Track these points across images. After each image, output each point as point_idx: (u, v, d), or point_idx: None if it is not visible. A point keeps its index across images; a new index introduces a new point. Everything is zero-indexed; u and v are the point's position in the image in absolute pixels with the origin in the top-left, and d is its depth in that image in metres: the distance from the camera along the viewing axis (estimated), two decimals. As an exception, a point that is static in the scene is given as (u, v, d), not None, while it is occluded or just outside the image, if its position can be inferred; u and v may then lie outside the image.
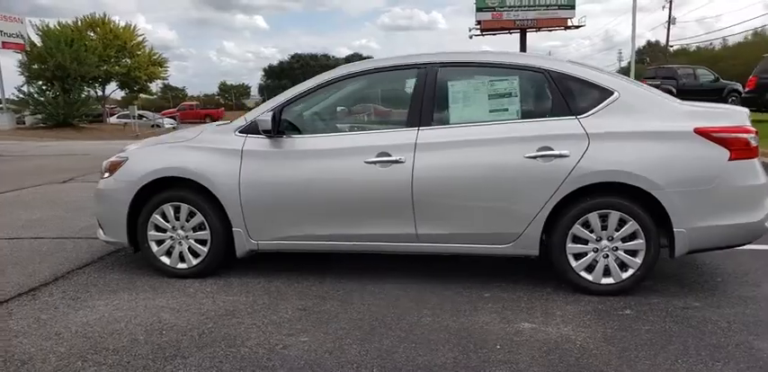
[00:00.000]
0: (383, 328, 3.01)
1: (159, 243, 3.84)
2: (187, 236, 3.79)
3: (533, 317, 3.11)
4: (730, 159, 3.20)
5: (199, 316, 3.19)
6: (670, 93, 17.51)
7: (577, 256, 3.39)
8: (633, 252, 3.33)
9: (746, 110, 3.43)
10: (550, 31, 43.28)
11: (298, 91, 3.70)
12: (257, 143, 3.65)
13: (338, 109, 3.89)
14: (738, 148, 3.20)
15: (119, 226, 3.85)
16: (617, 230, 3.33)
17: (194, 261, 3.81)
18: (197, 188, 3.71)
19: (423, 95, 3.51)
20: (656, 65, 23.54)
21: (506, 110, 3.46)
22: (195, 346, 2.81)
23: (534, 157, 3.31)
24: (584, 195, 3.31)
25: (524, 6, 39.00)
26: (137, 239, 3.86)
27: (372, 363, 2.62)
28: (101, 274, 3.96)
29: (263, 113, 3.65)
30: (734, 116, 3.33)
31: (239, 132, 3.72)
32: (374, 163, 3.47)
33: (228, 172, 3.64)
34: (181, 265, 3.83)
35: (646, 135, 3.26)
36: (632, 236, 3.31)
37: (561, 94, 3.40)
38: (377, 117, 3.82)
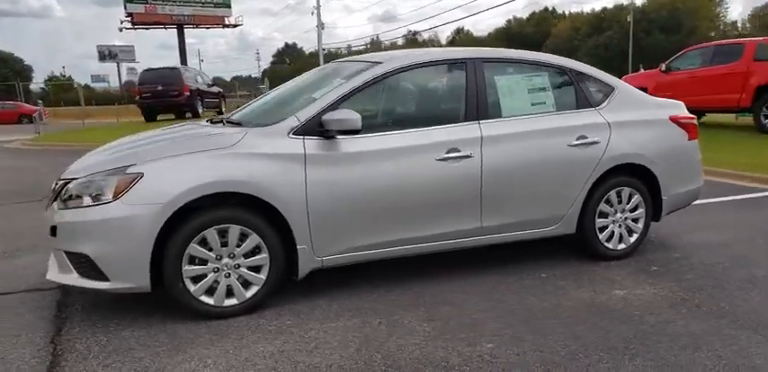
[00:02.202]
0: (530, 315, 3.08)
1: (198, 279, 3.02)
2: (237, 265, 3.08)
3: (610, 285, 3.56)
4: (689, 139, 4.15)
5: (332, 349, 2.72)
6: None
7: (601, 229, 3.95)
8: (636, 219, 4.04)
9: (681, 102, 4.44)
10: (208, 28, 43.44)
11: (348, 88, 3.33)
12: (318, 146, 3.18)
13: (391, 105, 3.59)
14: (692, 131, 4.19)
15: (136, 266, 2.89)
16: (628, 204, 3.99)
17: (247, 294, 3.11)
18: (248, 204, 3.05)
19: (476, 89, 3.58)
20: None
21: (544, 103, 3.80)
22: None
23: (576, 145, 3.73)
24: (608, 176, 3.87)
25: (179, 1, 38.12)
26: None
27: (567, 342, 2.72)
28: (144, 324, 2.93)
29: (322, 111, 3.19)
30: (681, 106, 4.30)
31: (294, 134, 3.17)
32: (445, 159, 3.41)
33: (292, 182, 3.09)
34: (229, 301, 3.09)
35: (642, 123, 3.99)
36: (637, 207, 4.02)
37: (581, 89, 3.89)
38: (427, 112, 3.66)
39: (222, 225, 3.00)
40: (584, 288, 3.51)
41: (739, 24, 69.27)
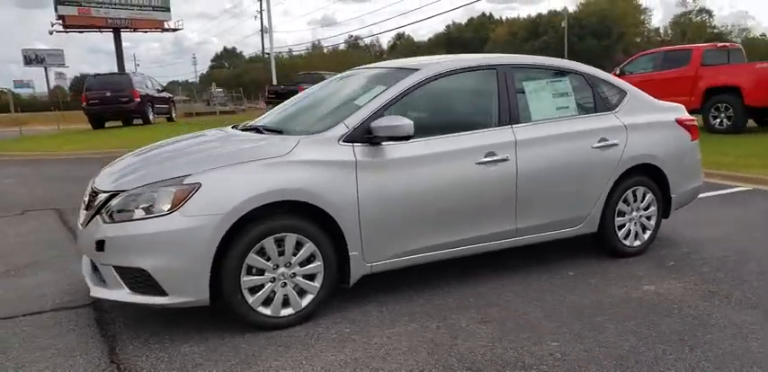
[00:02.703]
0: (577, 313, 3.19)
1: (255, 289, 2.97)
2: (293, 274, 3.05)
3: (638, 281, 3.72)
4: (691, 140, 4.40)
5: (404, 354, 2.74)
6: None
7: (619, 228, 4.12)
8: (649, 217, 4.25)
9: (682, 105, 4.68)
10: (146, 32, 42.37)
11: (391, 94, 3.36)
12: (366, 152, 3.19)
13: (429, 110, 3.61)
14: (694, 132, 4.43)
15: (196, 280, 2.82)
16: (642, 202, 4.18)
17: (303, 303, 3.09)
18: (301, 212, 3.03)
19: (507, 95, 3.68)
20: (305, 72, 25.77)
21: (567, 107, 3.94)
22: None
23: (598, 147, 3.90)
24: (626, 176, 4.05)
25: (115, 4, 36.90)
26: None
27: (625, 337, 2.85)
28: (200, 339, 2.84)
29: (369, 118, 3.21)
30: (683, 109, 4.54)
31: (344, 141, 3.17)
32: (484, 163, 3.49)
33: (345, 189, 3.09)
34: (285, 311, 3.05)
35: (653, 125, 4.20)
36: (650, 205, 4.22)
37: (598, 93, 4.06)
38: (463, 117, 3.71)
39: (279, 235, 2.97)
40: (615, 285, 3.65)
41: (662, 31, 73.07)
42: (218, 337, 2.96)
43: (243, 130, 3.78)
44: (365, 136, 3.20)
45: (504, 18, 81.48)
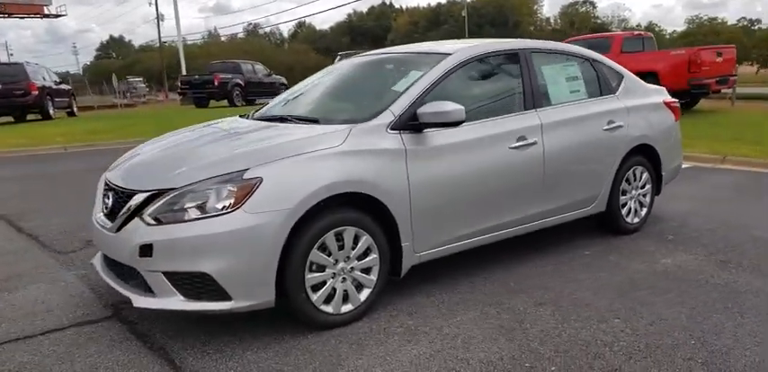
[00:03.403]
0: (618, 289, 3.31)
1: (317, 287, 2.82)
2: (352, 268, 2.92)
3: (652, 256, 3.91)
4: (675, 120, 4.66)
5: (484, 342, 2.72)
6: (239, 85, 18.91)
7: (623, 206, 4.31)
8: (645, 195, 4.47)
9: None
10: (22, 18, 39.23)
11: (430, 79, 3.28)
12: (412, 140, 3.11)
13: (462, 96, 3.52)
14: (677, 113, 4.69)
15: (263, 281, 2.64)
16: (640, 181, 4.39)
17: (362, 297, 2.97)
18: (358, 204, 2.90)
19: (530, 79, 3.71)
20: (220, 60, 24.67)
21: (578, 90, 4.03)
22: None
23: (607, 129, 4.03)
24: (628, 157, 4.22)
25: None
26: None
27: (676, 308, 3.01)
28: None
29: (412, 105, 3.12)
30: (665, 91, 4.78)
31: (391, 129, 3.06)
32: (517, 147, 3.51)
33: (397, 178, 3.00)
34: (345, 307, 2.92)
35: (647, 106, 4.40)
36: (645, 183, 4.44)
37: (602, 77, 4.19)
38: (493, 101, 3.67)
39: (339, 228, 2.83)
40: (635, 260, 3.81)
41: (552, 20, 77.01)
42: (277, 340, 2.78)
43: (264, 120, 3.55)
44: (410, 122, 3.10)
45: (404, 7, 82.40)
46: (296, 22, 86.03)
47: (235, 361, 2.60)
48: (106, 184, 3.13)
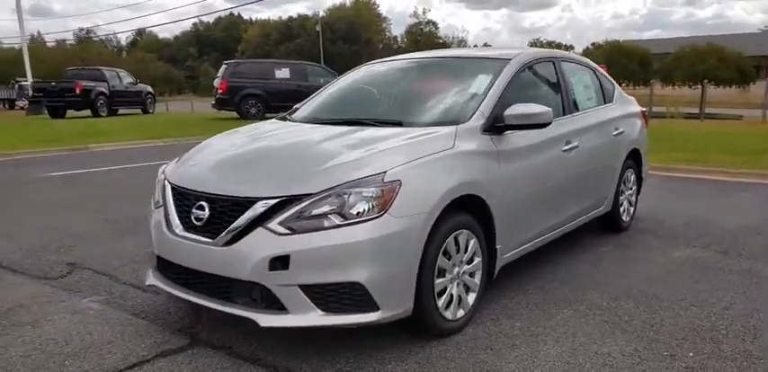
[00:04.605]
0: (660, 281, 3.59)
1: (441, 293, 2.72)
2: (464, 272, 2.87)
3: (661, 250, 4.28)
4: (644, 127, 5.17)
5: (608, 338, 2.83)
6: (103, 94, 17.50)
7: (620, 205, 4.68)
8: (632, 195, 4.89)
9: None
10: None
11: (503, 83, 3.33)
12: (499, 141, 3.13)
13: (520, 100, 3.53)
14: (646, 120, 5.20)
15: (406, 288, 2.51)
16: (630, 183, 4.81)
17: (470, 302, 2.92)
18: (467, 207, 2.87)
19: (565, 86, 3.92)
20: (78, 67, 22.25)
21: (591, 98, 4.32)
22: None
23: (615, 134, 4.38)
24: (626, 161, 4.60)
25: None
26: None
27: (726, 294, 3.37)
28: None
29: (495, 107, 3.15)
30: (636, 101, 5.28)
31: (483, 131, 3.06)
32: (566, 150, 3.69)
33: (495, 180, 3.01)
34: (459, 313, 2.85)
35: (632, 114, 4.85)
36: (632, 185, 4.87)
37: (603, 86, 4.54)
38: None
39: (457, 232, 2.76)
40: (653, 254, 4.15)
41: (399, 39, 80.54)
42: (406, 352, 2.64)
43: (327, 124, 3.36)
44: (496, 124, 3.13)
45: (253, 19, 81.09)
46: (135, 29, 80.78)
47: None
48: (179, 193, 2.76)
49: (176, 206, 2.75)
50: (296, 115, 3.77)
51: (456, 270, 2.81)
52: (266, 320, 2.42)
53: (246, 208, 2.47)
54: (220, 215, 2.54)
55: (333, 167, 2.57)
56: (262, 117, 16.93)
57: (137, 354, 2.63)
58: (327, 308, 2.42)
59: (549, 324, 2.96)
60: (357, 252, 2.38)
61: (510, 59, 3.55)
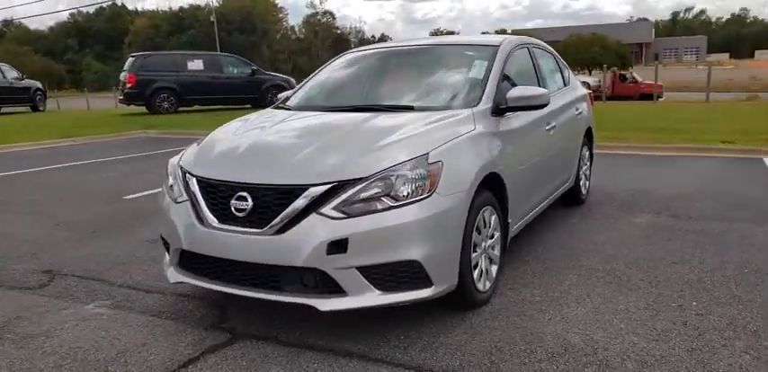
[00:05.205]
0: (667, 243, 3.95)
1: (474, 266, 2.86)
2: (488, 246, 3.02)
3: (626, 217, 4.67)
4: (591, 107, 5.57)
5: (647, 311, 3.09)
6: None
7: (580, 179, 5.04)
8: (587, 170, 5.27)
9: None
10: None
11: (498, 68, 3.49)
12: (501, 123, 3.31)
13: (509, 82, 3.67)
14: (591, 101, 5.60)
15: (452, 264, 2.63)
16: (586, 159, 5.18)
17: (494, 273, 3.09)
18: (488, 185, 3.02)
19: (539, 69, 4.16)
20: None
21: (556, 82, 4.60)
22: None
23: (576, 114, 4.71)
24: (583, 139, 4.96)
25: None
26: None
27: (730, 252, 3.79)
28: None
29: (497, 90, 3.32)
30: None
31: (491, 114, 3.22)
32: (548, 130, 3.94)
33: (504, 159, 3.18)
34: (488, 285, 3.01)
35: (584, 96, 5.20)
36: (587, 161, 5.25)
37: (562, 70, 4.84)
38: None
39: (484, 208, 2.91)
40: (616, 222, 4.50)
41: (297, 29, 79.58)
42: (446, 325, 2.76)
43: (333, 111, 3.37)
44: (499, 107, 3.30)
45: (140, 9, 76.77)
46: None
47: (446, 348, 2.53)
48: (210, 186, 2.69)
49: (208, 199, 2.68)
50: (295, 104, 3.75)
51: (483, 244, 2.96)
52: (326, 304, 2.46)
53: (297, 196, 2.47)
54: (266, 204, 2.52)
55: (377, 151, 2.63)
56: (175, 111, 16.25)
57: (181, 353, 2.57)
58: (384, 287, 2.48)
59: (562, 289, 3.18)
60: (412, 231, 2.46)
61: (498, 45, 3.73)
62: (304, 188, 2.48)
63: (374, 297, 2.48)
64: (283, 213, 2.47)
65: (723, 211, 4.74)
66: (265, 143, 2.94)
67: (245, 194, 2.56)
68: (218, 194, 2.66)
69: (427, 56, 4.02)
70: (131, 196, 6.00)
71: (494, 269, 3.10)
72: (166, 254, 3.04)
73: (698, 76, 24.55)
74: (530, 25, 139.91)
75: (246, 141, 2.97)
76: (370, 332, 2.70)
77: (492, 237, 3.06)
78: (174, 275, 2.86)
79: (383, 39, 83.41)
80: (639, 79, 25.76)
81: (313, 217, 2.44)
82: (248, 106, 17.77)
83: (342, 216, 2.42)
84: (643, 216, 4.69)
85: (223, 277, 2.67)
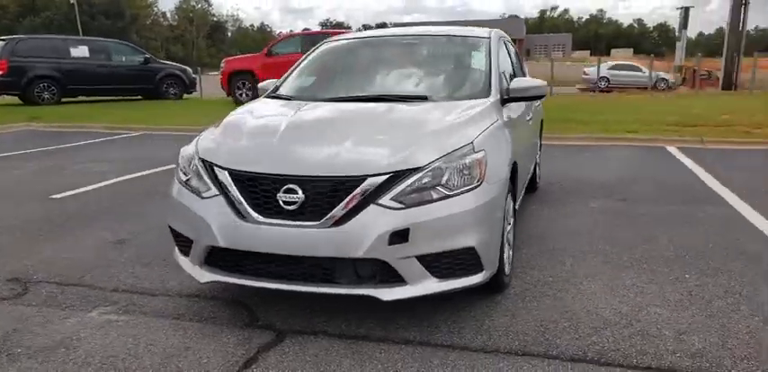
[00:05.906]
0: (623, 225, 4.31)
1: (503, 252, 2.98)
2: (508, 231, 3.15)
3: (581, 202, 5.04)
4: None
5: (670, 301, 3.38)
6: None
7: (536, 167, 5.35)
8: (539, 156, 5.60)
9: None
10: None
11: (495, 59, 3.62)
12: (505, 113, 3.44)
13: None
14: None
15: (497, 249, 2.73)
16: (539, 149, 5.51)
17: (511, 257, 3.23)
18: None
19: (512, 61, 4.35)
20: None
21: (525, 72, 4.84)
22: None
23: (537, 106, 4.99)
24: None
25: None
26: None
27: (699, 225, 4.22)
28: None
29: (500, 80, 3.45)
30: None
31: (501, 103, 3.35)
32: (527, 120, 4.16)
33: (513, 147, 3.32)
34: (508, 268, 3.14)
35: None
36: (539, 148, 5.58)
37: (521, 63, 5.08)
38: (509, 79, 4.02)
39: (507, 195, 3.02)
40: (575, 207, 4.83)
41: (168, 15, 75.47)
42: (483, 309, 2.86)
43: (340, 101, 3.33)
44: (504, 97, 3.43)
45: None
46: None
47: (496, 330, 2.63)
48: (249, 179, 2.56)
49: (247, 193, 2.55)
50: (294, 94, 3.64)
51: (507, 229, 3.09)
52: (388, 294, 2.46)
53: (354, 187, 2.43)
54: (319, 196, 2.46)
55: (423, 140, 2.65)
56: (57, 102, 14.85)
57: (233, 354, 2.45)
58: (441, 275, 2.53)
59: (567, 269, 3.40)
60: (468, 219, 2.52)
61: (488, 37, 3.87)
62: (362, 179, 2.44)
63: (433, 285, 2.51)
64: (341, 204, 2.42)
65: (660, 195, 5.23)
66: (299, 133, 2.85)
67: (294, 187, 2.48)
68: (259, 188, 2.54)
69: (423, 46, 4.06)
70: (59, 195, 5.48)
71: (507, 253, 3.24)
72: (180, 255, 2.87)
73: (569, 72, 26.44)
74: (407, 19, 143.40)
75: (276, 132, 2.85)
76: (416, 317, 2.74)
77: (510, 223, 3.19)
78: (203, 274, 2.69)
79: (262, 28, 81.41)
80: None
81: (372, 207, 2.42)
82: (139, 97, 16.69)
83: (400, 206, 2.43)
84: (596, 201, 5.06)
85: (266, 273, 2.57)
